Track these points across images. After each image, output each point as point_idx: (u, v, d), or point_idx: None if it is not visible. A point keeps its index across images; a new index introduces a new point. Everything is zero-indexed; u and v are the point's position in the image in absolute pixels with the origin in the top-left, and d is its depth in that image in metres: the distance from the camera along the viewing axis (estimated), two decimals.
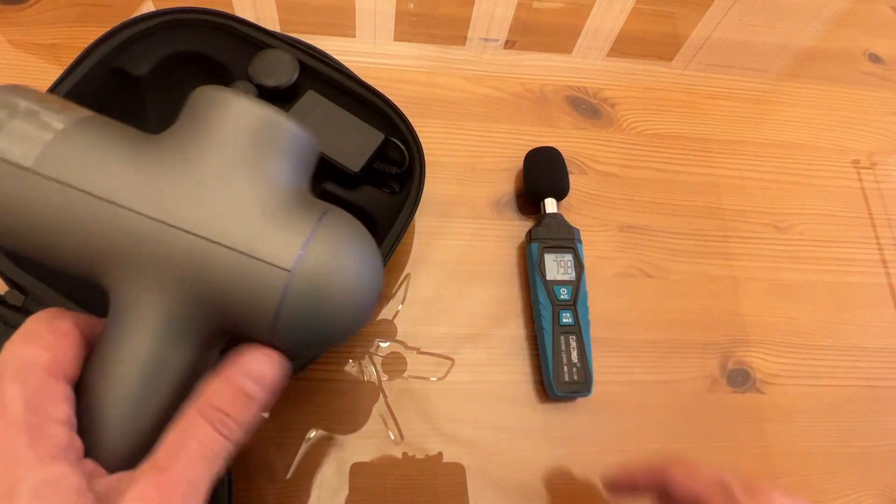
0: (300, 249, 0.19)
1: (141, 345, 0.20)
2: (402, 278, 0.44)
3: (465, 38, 0.56)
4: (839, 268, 0.51)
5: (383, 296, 0.44)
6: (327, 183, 0.41)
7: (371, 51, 0.54)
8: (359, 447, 0.39)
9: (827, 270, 0.51)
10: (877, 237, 0.53)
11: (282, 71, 0.41)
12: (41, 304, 0.35)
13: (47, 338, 0.19)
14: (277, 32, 0.43)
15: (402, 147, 0.42)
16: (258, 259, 0.19)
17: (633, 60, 0.58)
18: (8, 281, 0.35)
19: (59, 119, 0.20)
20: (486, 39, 0.56)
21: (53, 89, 0.38)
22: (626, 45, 0.59)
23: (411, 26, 0.56)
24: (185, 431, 0.19)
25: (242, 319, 0.20)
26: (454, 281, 0.45)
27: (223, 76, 0.42)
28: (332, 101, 0.41)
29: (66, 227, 0.19)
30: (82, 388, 0.20)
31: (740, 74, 0.59)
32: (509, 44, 0.57)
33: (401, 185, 0.42)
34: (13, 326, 0.34)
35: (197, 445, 0.18)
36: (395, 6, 0.57)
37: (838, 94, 0.60)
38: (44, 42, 0.49)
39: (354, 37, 0.54)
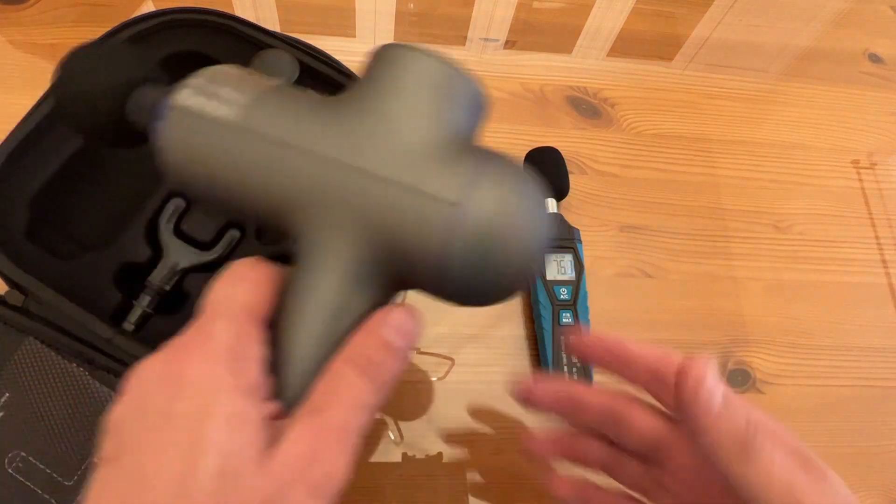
0: (468, 187, 0.20)
1: (328, 287, 0.21)
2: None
3: (465, 38, 0.56)
4: (839, 268, 0.51)
5: None
6: None
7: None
8: (359, 447, 0.39)
9: (827, 270, 0.51)
10: (877, 237, 0.53)
11: (282, 71, 0.41)
12: (41, 305, 0.35)
13: (253, 281, 0.21)
14: (277, 32, 0.43)
15: None
16: (428, 194, 0.20)
17: (633, 60, 0.58)
18: (8, 281, 0.35)
19: (255, 84, 0.23)
20: (486, 39, 0.56)
21: None
22: (626, 45, 0.59)
23: (411, 26, 0.56)
24: (335, 380, 0.20)
25: (416, 261, 0.20)
26: None
27: None
28: None
29: (265, 175, 0.21)
30: (272, 332, 0.21)
31: (740, 74, 0.59)
32: (509, 44, 0.57)
33: None
34: (13, 326, 0.34)
35: (347, 392, 0.19)
36: (395, 6, 0.57)
37: (838, 94, 0.60)
38: (44, 42, 0.49)
39: (354, 37, 0.54)
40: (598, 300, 0.46)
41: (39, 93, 0.38)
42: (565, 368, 0.41)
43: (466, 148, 0.22)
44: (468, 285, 0.21)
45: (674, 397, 0.26)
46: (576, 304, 0.43)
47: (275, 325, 0.21)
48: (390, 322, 0.21)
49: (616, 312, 0.46)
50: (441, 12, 0.57)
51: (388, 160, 0.21)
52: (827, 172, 0.55)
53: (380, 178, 0.20)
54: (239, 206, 0.23)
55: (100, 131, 0.26)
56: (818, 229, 0.53)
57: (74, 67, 0.26)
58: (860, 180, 0.56)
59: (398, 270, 0.21)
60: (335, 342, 0.21)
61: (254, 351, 0.20)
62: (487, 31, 0.57)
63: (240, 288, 0.21)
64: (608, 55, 0.58)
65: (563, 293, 0.43)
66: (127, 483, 0.17)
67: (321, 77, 0.43)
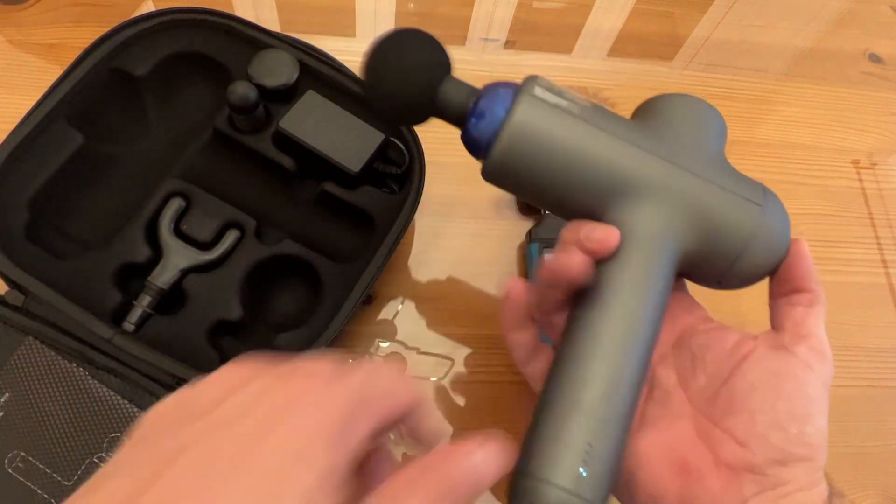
0: (762, 194, 0.27)
1: (645, 263, 0.26)
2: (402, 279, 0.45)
3: (465, 38, 0.56)
4: (839, 268, 0.51)
5: (383, 296, 0.44)
6: (327, 183, 0.41)
7: None
8: None
9: (827, 270, 0.51)
10: (877, 237, 0.53)
11: (282, 71, 0.41)
12: (41, 305, 0.35)
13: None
14: (277, 32, 0.43)
15: (402, 147, 0.42)
16: (741, 196, 0.26)
17: (633, 60, 0.58)
18: (8, 281, 0.35)
19: (582, 97, 0.28)
20: (486, 39, 0.56)
21: (53, 89, 0.38)
22: (626, 45, 0.59)
23: (411, 26, 0.56)
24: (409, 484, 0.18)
25: (720, 246, 0.26)
26: (454, 281, 0.45)
27: (223, 76, 0.42)
28: (332, 101, 0.41)
29: (603, 164, 0.26)
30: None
31: (740, 74, 0.59)
32: (509, 44, 0.57)
33: (400, 186, 0.42)
34: (13, 326, 0.35)
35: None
36: (395, 6, 0.57)
37: (838, 94, 0.60)
38: (44, 42, 0.49)
39: (354, 37, 0.54)
40: None
41: (39, 93, 0.38)
42: None
43: (729, 165, 0.28)
44: (751, 270, 0.27)
45: None
46: None
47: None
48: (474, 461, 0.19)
49: None
50: (441, 12, 0.57)
51: (703, 165, 0.27)
52: (827, 172, 0.55)
53: (702, 177, 0.26)
54: (567, 188, 0.27)
55: (410, 112, 0.30)
56: (818, 229, 0.53)
57: (390, 56, 0.29)
58: (860, 180, 0.56)
59: (695, 254, 0.26)
60: (651, 315, 0.26)
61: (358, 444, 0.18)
62: (487, 31, 0.57)
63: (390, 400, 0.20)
64: (608, 55, 0.58)
65: None
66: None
67: (321, 77, 0.43)
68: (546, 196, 0.28)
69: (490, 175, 0.28)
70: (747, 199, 0.26)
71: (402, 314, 0.43)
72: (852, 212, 0.54)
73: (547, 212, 0.46)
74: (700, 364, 0.28)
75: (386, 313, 0.43)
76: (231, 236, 0.40)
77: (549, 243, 0.45)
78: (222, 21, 0.43)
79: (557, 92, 0.27)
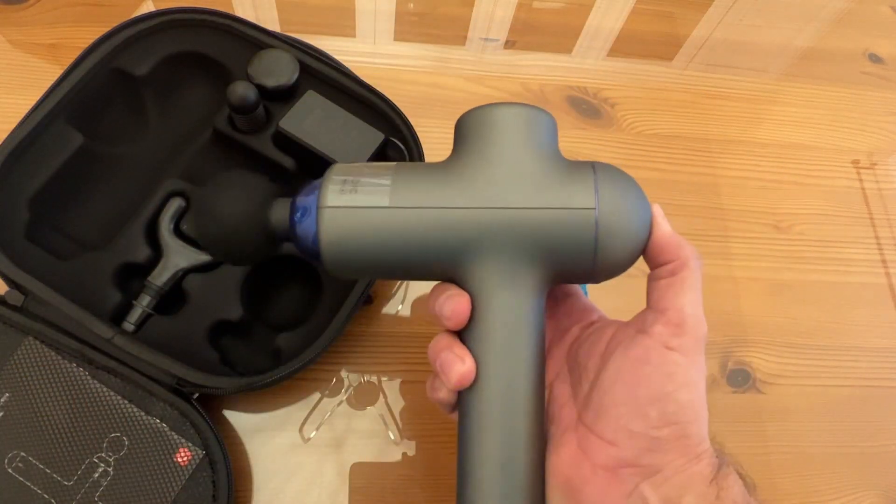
0: (594, 192, 0.25)
1: (509, 303, 0.26)
2: None
3: (465, 38, 0.56)
4: (839, 268, 0.51)
5: (383, 296, 0.44)
6: None
7: (371, 51, 0.54)
8: (359, 447, 0.39)
9: (827, 270, 0.51)
10: (877, 237, 0.53)
11: (282, 71, 0.41)
12: (41, 304, 0.35)
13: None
14: (277, 32, 0.43)
15: (402, 147, 0.42)
16: (569, 208, 0.25)
17: (633, 60, 0.58)
18: (8, 281, 0.35)
19: (384, 170, 0.27)
20: (486, 39, 0.57)
21: (53, 89, 0.38)
22: (626, 45, 0.59)
23: (411, 26, 0.56)
24: None
25: (570, 260, 0.26)
26: None
27: (223, 76, 0.42)
28: (332, 101, 0.41)
29: (425, 239, 0.25)
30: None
31: (740, 74, 0.59)
32: (509, 44, 0.57)
33: None
34: (13, 326, 0.34)
35: None
36: (395, 6, 0.57)
37: (838, 94, 0.60)
38: (44, 42, 0.49)
39: (354, 37, 0.54)
40: (598, 300, 0.45)
41: (39, 93, 0.38)
42: None
43: (563, 163, 0.27)
44: (612, 264, 0.26)
45: None
46: None
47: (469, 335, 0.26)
48: None
49: (616, 312, 0.46)
50: (441, 12, 0.57)
51: (527, 192, 0.26)
52: (827, 172, 0.55)
53: (526, 207, 0.25)
54: (406, 270, 0.27)
55: (252, 256, 0.29)
56: (818, 229, 0.53)
57: (214, 210, 0.28)
58: (860, 180, 0.56)
59: (556, 271, 0.26)
60: (521, 344, 0.26)
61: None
62: (487, 31, 0.57)
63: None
64: (608, 55, 0.58)
65: None
66: None
67: (321, 77, 0.43)
68: (395, 276, 0.28)
69: (333, 271, 0.27)
70: (578, 208, 0.25)
71: (401, 314, 0.43)
72: (852, 212, 0.54)
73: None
74: (584, 371, 0.27)
75: (386, 313, 0.43)
76: None
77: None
78: (222, 21, 0.43)
79: (355, 183, 0.26)
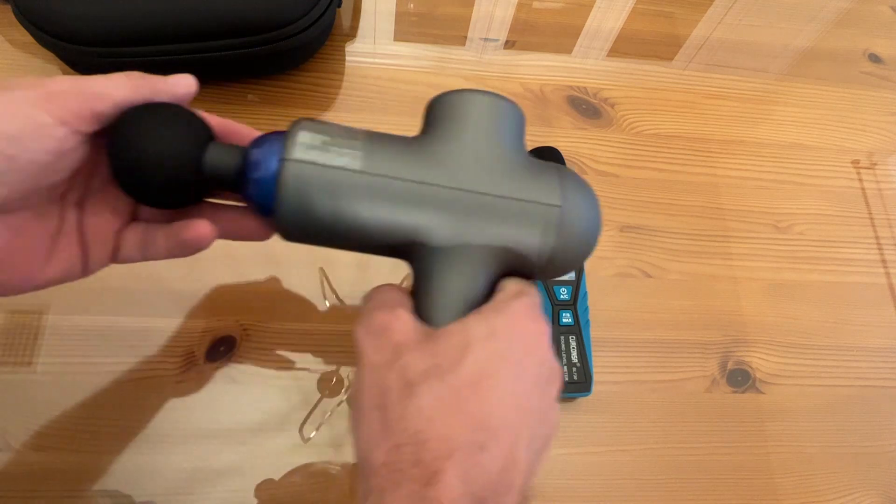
0: (559, 191, 0.26)
1: (459, 284, 0.26)
2: (402, 279, 0.44)
3: (465, 38, 0.56)
4: (839, 268, 0.51)
5: None
6: None
7: (371, 51, 0.54)
8: None
9: (827, 270, 0.51)
10: (877, 237, 0.53)
11: None
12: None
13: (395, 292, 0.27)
14: None
15: None
16: (536, 202, 0.26)
17: (633, 60, 0.58)
18: None
19: (355, 133, 0.26)
20: (486, 39, 0.56)
21: None
22: (626, 45, 0.59)
23: (411, 26, 0.56)
24: None
25: (525, 251, 0.26)
26: None
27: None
28: None
29: (392, 210, 0.25)
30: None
31: (740, 74, 0.59)
32: (509, 44, 0.57)
33: None
34: None
35: None
36: (395, 6, 0.57)
37: (838, 94, 0.60)
38: None
39: (355, 37, 0.54)
40: (598, 300, 0.46)
41: None
42: (565, 368, 0.41)
43: (527, 159, 0.27)
44: (568, 262, 0.27)
45: None
46: (575, 304, 0.43)
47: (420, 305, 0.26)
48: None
49: (616, 312, 0.46)
50: (441, 12, 0.57)
51: (494, 179, 0.26)
52: (827, 172, 0.56)
53: (491, 194, 0.26)
54: (360, 240, 0.26)
55: (173, 202, 0.27)
56: (818, 229, 0.53)
57: (141, 133, 0.25)
58: (860, 180, 0.56)
59: (508, 261, 0.26)
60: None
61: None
62: (487, 31, 0.57)
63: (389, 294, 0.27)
64: (608, 55, 0.58)
65: (563, 293, 0.43)
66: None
67: None
68: (346, 245, 0.27)
69: (285, 228, 0.26)
70: (545, 203, 0.26)
71: None
72: (852, 212, 0.54)
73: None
74: None
75: None
76: None
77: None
78: None
79: (325, 141, 0.25)
